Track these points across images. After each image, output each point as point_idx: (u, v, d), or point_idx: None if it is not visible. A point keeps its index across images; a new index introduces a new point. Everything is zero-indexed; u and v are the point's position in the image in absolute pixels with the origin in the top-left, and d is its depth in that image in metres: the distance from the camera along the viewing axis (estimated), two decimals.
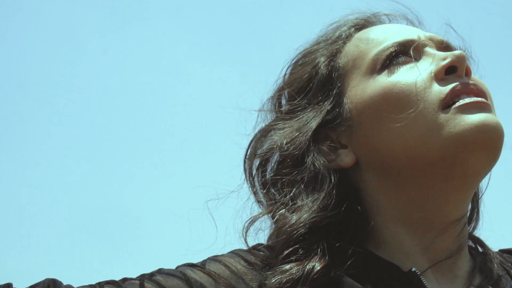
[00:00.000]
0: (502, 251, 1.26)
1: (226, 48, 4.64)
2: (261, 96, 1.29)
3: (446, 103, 1.10)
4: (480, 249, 1.21)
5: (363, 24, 1.27)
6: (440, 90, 1.10)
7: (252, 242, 1.19)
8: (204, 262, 1.13)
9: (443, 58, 1.14)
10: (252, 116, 1.28)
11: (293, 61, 1.29)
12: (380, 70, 1.16)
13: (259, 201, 1.21)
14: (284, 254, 1.09)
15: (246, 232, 1.18)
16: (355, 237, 1.13)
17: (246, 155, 1.24)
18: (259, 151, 1.23)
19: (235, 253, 1.15)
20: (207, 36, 4.70)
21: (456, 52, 1.14)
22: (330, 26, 1.29)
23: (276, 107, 1.27)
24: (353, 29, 1.26)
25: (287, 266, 1.08)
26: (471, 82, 1.12)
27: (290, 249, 1.09)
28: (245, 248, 1.18)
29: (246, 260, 1.13)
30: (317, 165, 1.15)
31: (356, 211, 1.14)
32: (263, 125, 1.26)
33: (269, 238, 1.17)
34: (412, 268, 1.09)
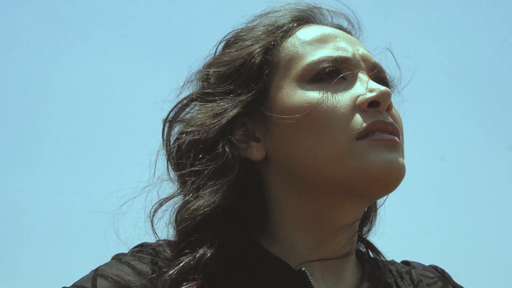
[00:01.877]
0: (404, 262, 1.32)
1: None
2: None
3: (361, 135, 1.13)
4: (371, 255, 1.27)
5: (306, 19, 1.27)
6: (359, 121, 1.14)
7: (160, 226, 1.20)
8: (93, 280, 1.12)
9: (370, 90, 1.16)
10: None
11: (227, 39, 1.29)
12: (309, 82, 1.17)
13: (174, 169, 1.22)
14: (180, 246, 1.13)
15: (153, 215, 1.20)
16: (250, 231, 1.17)
17: (167, 117, 1.26)
18: (180, 117, 1.24)
19: (120, 260, 1.15)
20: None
21: (383, 88, 1.16)
22: (270, 10, 1.29)
23: (203, 81, 1.26)
24: (295, 23, 1.25)
25: (182, 258, 1.12)
26: (389, 121, 1.16)
27: (188, 240, 1.13)
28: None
29: (133, 268, 1.14)
30: (227, 154, 1.17)
31: (256, 205, 1.18)
32: (188, 93, 1.26)
33: (176, 222, 1.17)
34: (302, 268, 1.14)
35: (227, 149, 1.18)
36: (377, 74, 1.22)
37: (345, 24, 1.30)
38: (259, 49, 1.22)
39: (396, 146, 1.14)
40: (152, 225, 1.20)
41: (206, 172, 1.17)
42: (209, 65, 1.27)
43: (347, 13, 1.30)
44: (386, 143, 1.13)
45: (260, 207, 1.19)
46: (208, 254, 1.11)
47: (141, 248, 1.18)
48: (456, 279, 1.33)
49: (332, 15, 1.30)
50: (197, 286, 1.10)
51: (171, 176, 1.24)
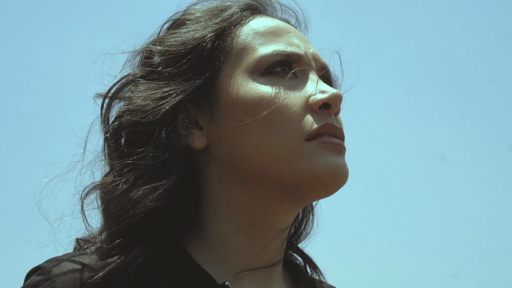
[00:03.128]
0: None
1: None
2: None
3: (311, 136, 1.12)
4: (309, 271, 1.25)
5: (258, 9, 1.24)
6: (310, 123, 1.12)
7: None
8: None
9: (321, 91, 1.15)
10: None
11: (174, 19, 1.24)
12: (261, 74, 1.15)
13: (109, 151, 1.17)
14: (110, 246, 1.08)
15: (83, 201, 1.15)
16: (179, 230, 1.12)
17: (107, 93, 1.20)
18: (121, 94, 1.19)
19: None
20: None
21: (335, 91, 1.15)
22: None
23: (147, 60, 1.21)
24: (249, 12, 1.22)
25: (109, 260, 1.07)
26: (337, 125, 1.15)
27: (118, 240, 1.08)
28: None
29: None
30: (172, 144, 1.12)
31: (188, 200, 1.14)
32: (130, 70, 1.21)
33: (105, 210, 1.12)
34: (226, 282, 1.11)
35: (171, 137, 1.13)
36: (324, 74, 1.22)
37: (293, 21, 1.28)
38: (212, 33, 1.18)
39: (342, 151, 1.14)
40: (83, 210, 1.15)
41: (144, 160, 1.12)
42: (156, 44, 1.21)
43: (296, 11, 1.29)
44: (334, 147, 1.13)
45: (193, 202, 1.15)
46: (140, 259, 1.07)
47: (39, 279, 1.08)
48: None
49: (283, 10, 1.28)
50: None
51: (106, 156, 1.18)
